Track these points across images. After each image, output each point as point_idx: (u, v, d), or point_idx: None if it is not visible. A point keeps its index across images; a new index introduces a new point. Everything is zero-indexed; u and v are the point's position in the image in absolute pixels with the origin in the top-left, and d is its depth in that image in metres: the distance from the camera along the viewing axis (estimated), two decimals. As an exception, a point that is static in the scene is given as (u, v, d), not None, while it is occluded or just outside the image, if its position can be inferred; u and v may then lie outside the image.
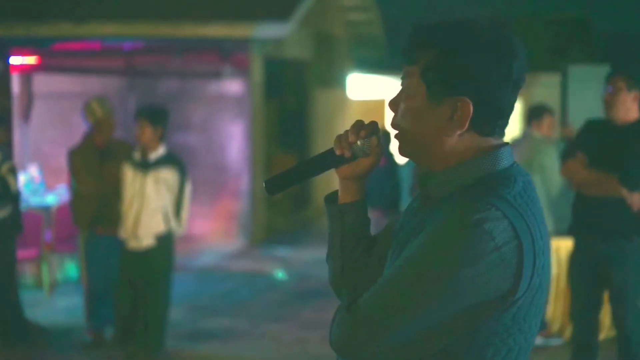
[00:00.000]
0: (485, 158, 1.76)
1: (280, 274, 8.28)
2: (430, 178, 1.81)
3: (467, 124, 1.73)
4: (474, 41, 1.73)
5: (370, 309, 1.69)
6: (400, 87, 1.82)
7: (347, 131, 1.89)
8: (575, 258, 5.30)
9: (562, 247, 6.53)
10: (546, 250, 1.73)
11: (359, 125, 1.89)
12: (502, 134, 1.81)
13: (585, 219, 5.20)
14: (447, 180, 1.77)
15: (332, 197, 2.00)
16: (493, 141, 1.78)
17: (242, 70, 11.26)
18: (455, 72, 1.72)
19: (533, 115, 7.24)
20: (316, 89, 14.13)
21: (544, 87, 14.79)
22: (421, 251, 1.68)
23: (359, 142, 1.87)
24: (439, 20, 1.78)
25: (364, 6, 15.33)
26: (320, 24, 14.02)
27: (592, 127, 5.43)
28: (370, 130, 1.88)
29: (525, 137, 7.24)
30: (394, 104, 1.82)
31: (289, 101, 13.61)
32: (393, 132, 1.85)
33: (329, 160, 1.91)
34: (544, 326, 6.89)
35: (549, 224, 6.65)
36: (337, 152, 1.89)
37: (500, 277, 1.64)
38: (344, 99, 15.66)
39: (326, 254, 2.02)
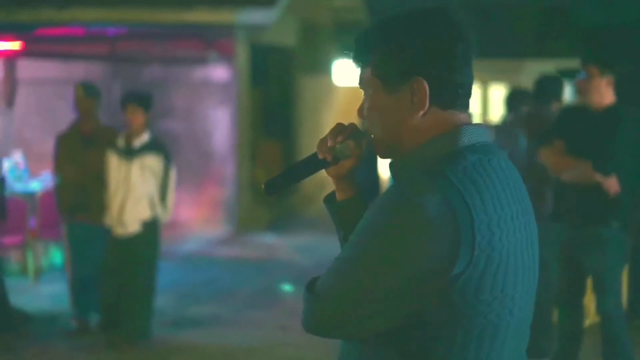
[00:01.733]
0: (440, 140, 1.82)
1: (287, 287, 8.29)
2: (390, 165, 1.90)
3: (427, 102, 1.80)
4: (408, 27, 1.83)
5: (320, 286, 1.79)
6: (362, 95, 1.90)
7: (326, 135, 1.97)
8: (556, 245, 5.34)
9: None
10: (496, 227, 1.73)
11: (337, 129, 1.97)
12: (466, 104, 1.86)
13: (565, 205, 5.24)
14: (402, 165, 1.86)
15: (330, 197, 2.08)
16: (457, 115, 1.84)
17: (227, 56, 11.22)
18: (400, 59, 1.81)
19: (521, 101, 6.87)
20: (302, 75, 14.10)
21: (533, 74, 14.81)
22: (361, 226, 1.77)
23: (337, 146, 1.95)
24: (376, 21, 1.89)
25: (349, -7, 15.30)
26: (306, 11, 13.99)
27: (568, 114, 5.48)
28: (348, 133, 1.95)
29: (508, 129, 6.78)
30: (360, 112, 1.91)
31: (274, 88, 13.57)
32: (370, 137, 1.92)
33: (315, 163, 2.00)
34: None
35: None
36: (320, 157, 1.97)
37: (435, 250, 1.68)
38: (329, 85, 15.64)
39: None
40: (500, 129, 7.00)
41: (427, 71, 1.80)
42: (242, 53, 11.43)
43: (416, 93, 1.80)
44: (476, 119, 10.82)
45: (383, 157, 1.91)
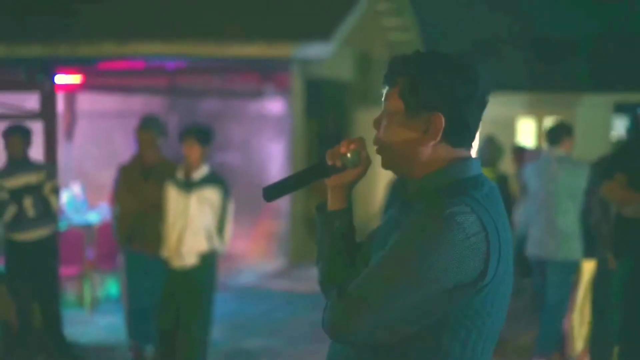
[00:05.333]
0: (458, 166, 2.07)
1: None
2: (410, 184, 2.12)
3: (439, 136, 2.05)
4: (442, 66, 2.05)
5: (356, 294, 1.96)
6: (382, 108, 2.14)
7: (338, 145, 2.21)
8: (616, 280, 5.25)
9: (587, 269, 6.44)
10: (509, 244, 2.02)
11: (349, 140, 2.21)
12: (470, 146, 2.12)
13: (626, 240, 5.16)
14: (425, 185, 2.07)
15: (322, 206, 2.32)
16: (463, 152, 2.10)
17: (283, 90, 11.30)
18: (428, 91, 2.04)
19: (564, 132, 6.60)
20: (357, 109, 14.14)
21: (589, 108, 14.68)
22: (401, 241, 1.96)
23: (349, 154, 2.17)
24: (417, 52, 2.12)
25: (404, 27, 15.34)
26: (362, 45, 14.05)
27: (630, 147, 5.41)
28: (359, 144, 2.20)
29: (551, 158, 6.62)
30: (376, 123, 2.15)
31: (329, 121, 13.61)
32: (375, 147, 2.19)
33: (320, 170, 2.19)
34: (560, 347, 6.77)
35: (578, 250, 6.44)
36: (329, 163, 2.19)
37: (470, 263, 1.92)
38: (383, 119, 15.65)
39: (316, 259, 2.29)
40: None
41: (447, 110, 2.03)
42: (297, 86, 11.50)
43: (431, 125, 2.04)
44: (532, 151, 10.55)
45: (386, 167, 2.13)
